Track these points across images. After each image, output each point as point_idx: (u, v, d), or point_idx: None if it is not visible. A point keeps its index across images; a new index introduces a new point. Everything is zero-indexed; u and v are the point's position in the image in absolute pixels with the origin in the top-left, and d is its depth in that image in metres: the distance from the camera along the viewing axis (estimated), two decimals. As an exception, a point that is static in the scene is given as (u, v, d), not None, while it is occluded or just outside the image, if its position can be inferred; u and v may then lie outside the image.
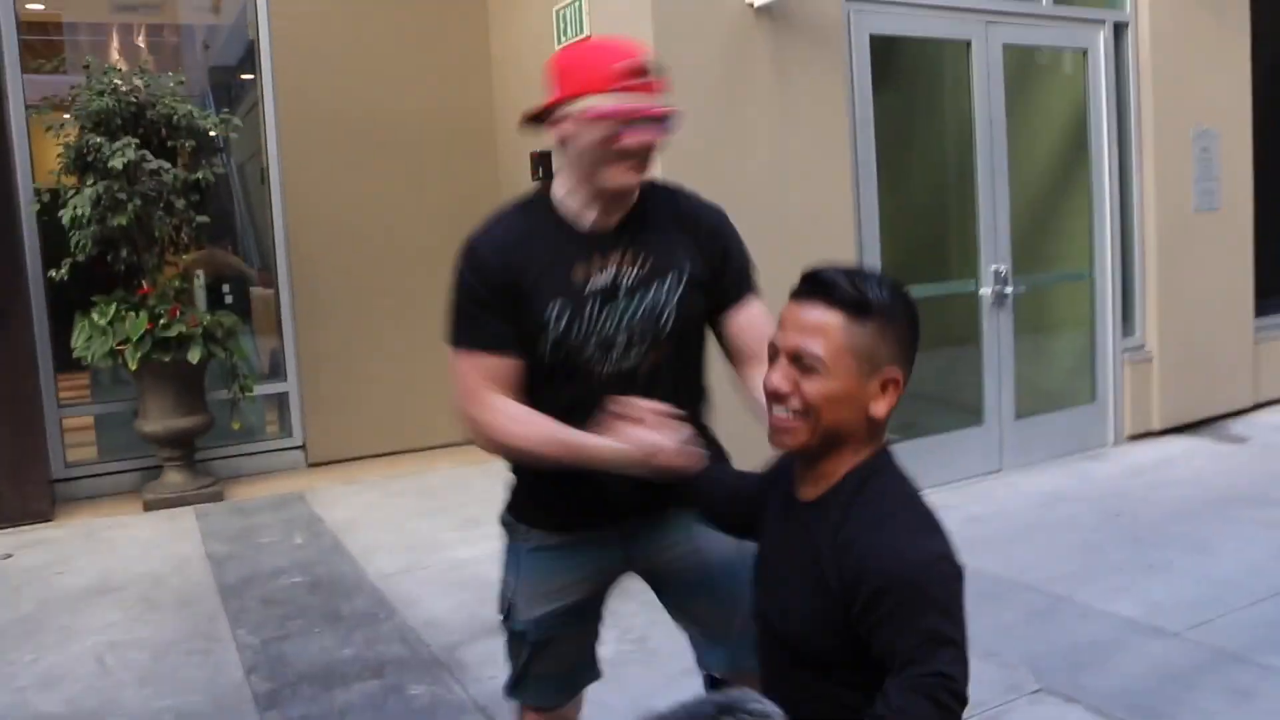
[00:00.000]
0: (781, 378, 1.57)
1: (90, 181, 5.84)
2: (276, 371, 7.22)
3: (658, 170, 5.28)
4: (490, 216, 2.13)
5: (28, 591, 4.90)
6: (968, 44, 6.02)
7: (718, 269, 2.17)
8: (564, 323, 2.03)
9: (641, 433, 1.93)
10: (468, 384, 2.05)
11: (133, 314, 5.96)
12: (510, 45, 7.07)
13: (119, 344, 5.90)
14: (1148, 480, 6.01)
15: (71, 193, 5.93)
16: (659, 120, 2.01)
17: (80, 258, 5.98)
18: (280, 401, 7.18)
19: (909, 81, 6.74)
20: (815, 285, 1.57)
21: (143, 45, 7.51)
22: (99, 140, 5.82)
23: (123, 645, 4.20)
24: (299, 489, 6.50)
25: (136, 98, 6.04)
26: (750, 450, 2.09)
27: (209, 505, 6.23)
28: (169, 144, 6.16)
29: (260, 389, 6.86)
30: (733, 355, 2.22)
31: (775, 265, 5.38)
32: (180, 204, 6.05)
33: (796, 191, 5.29)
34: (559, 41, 5.70)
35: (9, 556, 5.45)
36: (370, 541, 5.36)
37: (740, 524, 1.91)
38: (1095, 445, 6.69)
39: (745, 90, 5.18)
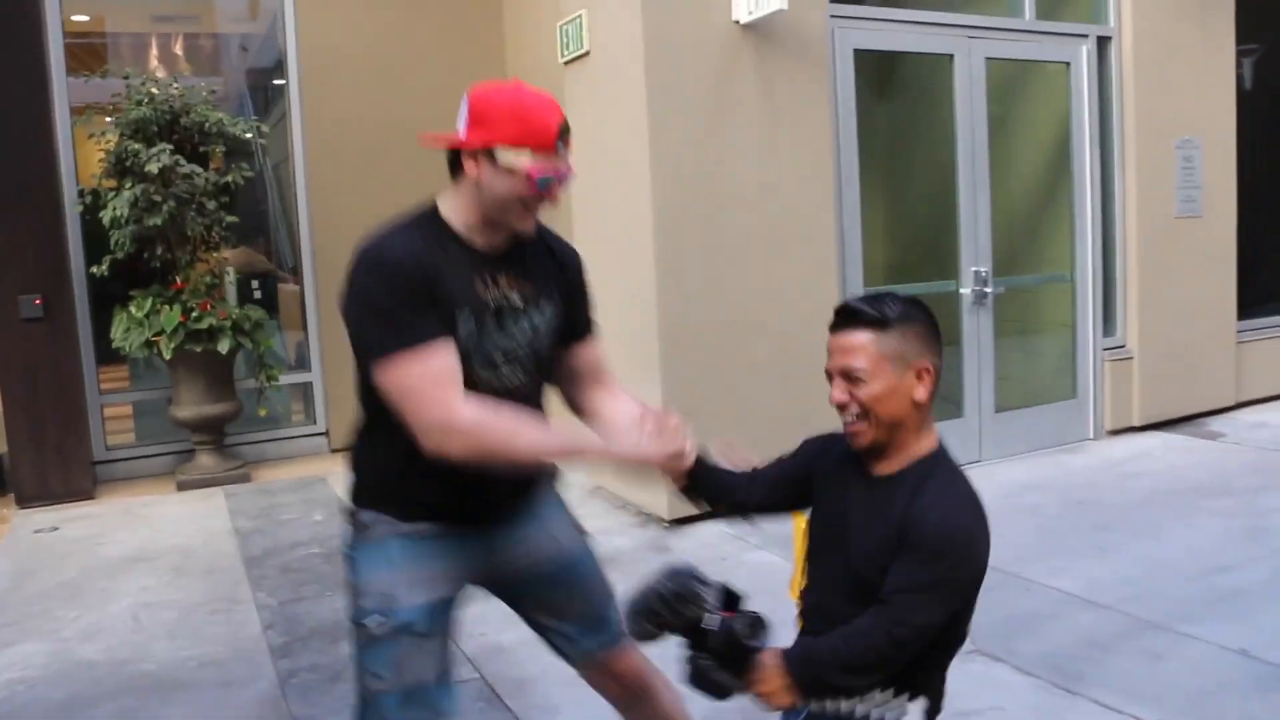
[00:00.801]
0: (840, 392, 1.95)
1: (129, 185, 6.31)
2: (302, 363, 7.69)
3: (644, 183, 5.68)
4: (382, 229, 2.15)
5: (71, 560, 5.37)
6: (950, 58, 6.37)
7: (574, 305, 2.33)
8: (469, 332, 2.08)
9: (648, 440, 2.10)
10: (433, 395, 2.00)
11: (167, 307, 6.42)
12: (523, 58, 7.51)
13: (154, 335, 6.37)
14: (1119, 472, 6.34)
15: (111, 195, 6.40)
16: (566, 179, 2.12)
17: (119, 255, 6.46)
18: (305, 391, 7.64)
19: (894, 93, 7.09)
20: (845, 315, 1.96)
21: (180, 54, 7.97)
22: (136, 146, 6.28)
23: (155, 606, 4.65)
24: (321, 472, 6.96)
25: (171, 105, 6.50)
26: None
27: (237, 486, 6.69)
28: (201, 149, 6.62)
29: (286, 379, 7.33)
30: (574, 379, 2.37)
31: (760, 270, 5.79)
32: (211, 205, 6.51)
33: (781, 200, 5.65)
34: (561, 55, 6.10)
35: (55, 529, 5.93)
36: (383, 519, 5.79)
37: (790, 503, 2.21)
38: (1075, 439, 7.02)
39: (732, 103, 5.55)
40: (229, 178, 6.69)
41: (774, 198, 5.65)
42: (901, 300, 1.96)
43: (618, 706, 2.54)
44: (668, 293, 5.38)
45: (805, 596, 2.10)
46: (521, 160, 2.04)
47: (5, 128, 6.28)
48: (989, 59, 6.50)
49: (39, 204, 6.44)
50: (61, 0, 6.89)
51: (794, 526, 2.32)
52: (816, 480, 2.11)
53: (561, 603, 2.39)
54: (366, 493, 2.23)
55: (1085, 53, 6.92)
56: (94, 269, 6.55)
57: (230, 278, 7.42)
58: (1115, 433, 7.19)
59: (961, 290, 6.46)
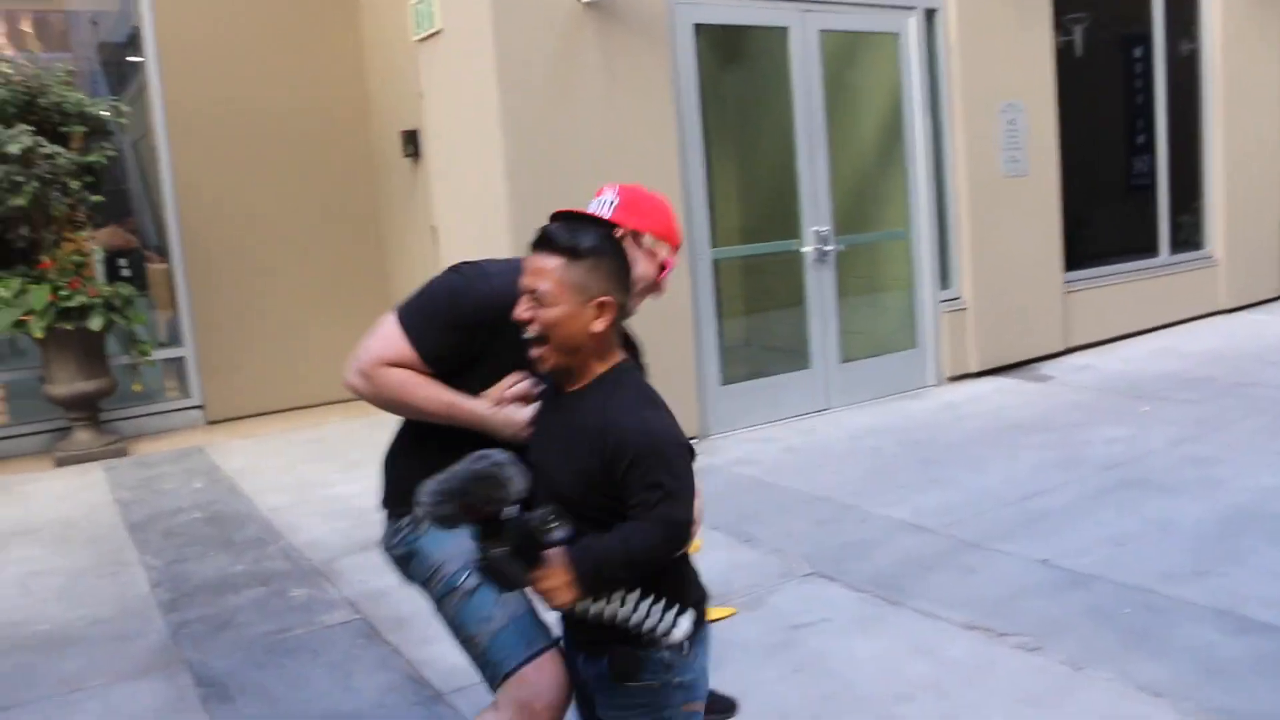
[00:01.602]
0: (523, 309, 2.02)
1: (-11, 166, 6.34)
2: (174, 338, 7.79)
3: (497, 156, 5.92)
4: (504, 260, 2.43)
5: (-50, 537, 5.47)
6: (785, 30, 6.79)
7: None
8: (507, 358, 2.29)
9: (513, 409, 2.27)
10: (384, 352, 2.33)
11: (35, 287, 6.48)
12: (379, 32, 7.70)
13: (24, 315, 6.42)
14: (954, 414, 6.89)
15: (-29, 176, 6.42)
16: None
17: (-19, 236, 6.49)
18: (178, 365, 7.76)
19: (734, 65, 7.48)
20: (542, 239, 2.03)
21: (30, 30, 7.90)
22: (-5, 128, 6.32)
23: (42, 573, 4.82)
24: (198, 443, 7.12)
25: (28, 86, 6.53)
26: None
27: (115, 460, 6.81)
28: (61, 130, 6.67)
29: (159, 354, 7.45)
30: None
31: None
32: (75, 185, 6.58)
33: (627, 170, 5.96)
34: (414, 33, 6.35)
35: (-71, 509, 5.99)
36: (262, 483, 6.03)
37: None
38: (916, 386, 7.58)
39: (576, 78, 5.87)
40: (92, 157, 6.75)
41: (621, 168, 5.96)
42: (598, 234, 2.03)
43: None
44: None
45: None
46: (662, 251, 2.50)
47: None
48: (822, 31, 6.95)
49: (-104, 187, 6.41)
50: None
51: None
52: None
53: None
54: (405, 496, 2.24)
55: (913, 24, 7.42)
56: (-45, 250, 6.57)
57: (98, 256, 7.47)
58: (954, 379, 7.76)
59: (804, 249, 6.92)
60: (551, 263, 2.00)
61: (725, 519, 4.89)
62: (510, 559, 1.90)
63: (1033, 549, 4.40)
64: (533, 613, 2.34)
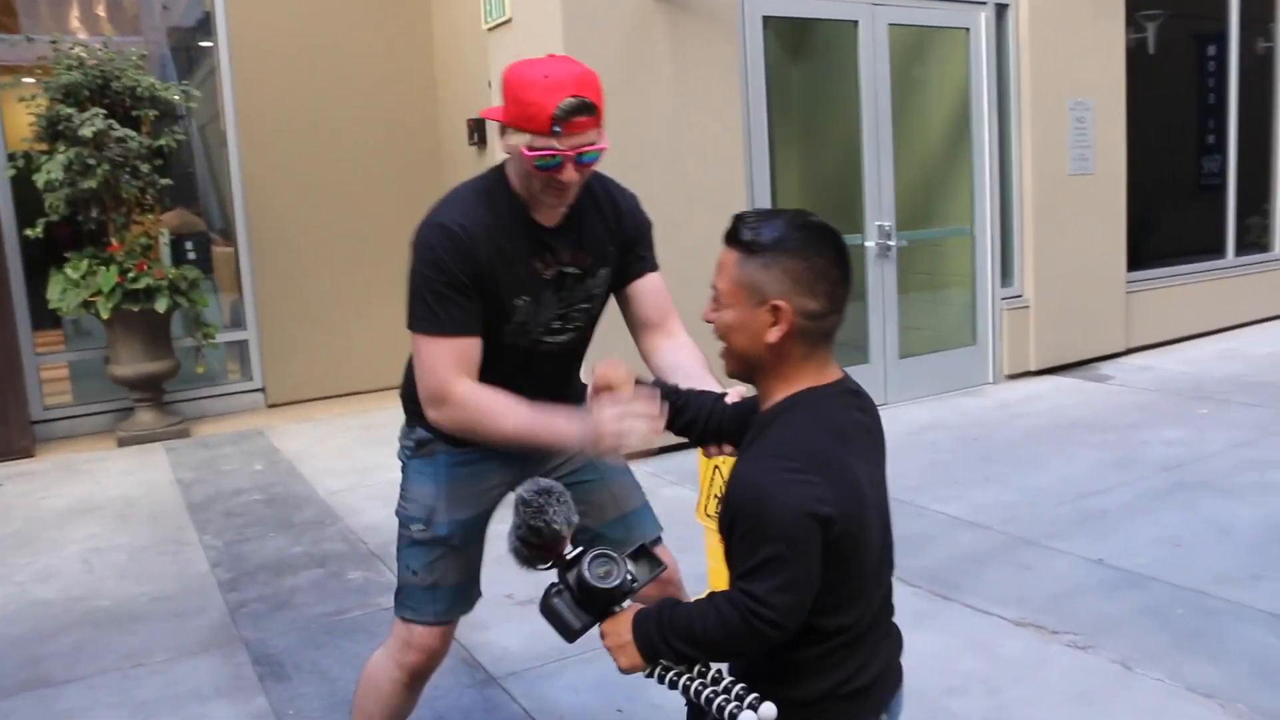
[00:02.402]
0: (708, 309, 1.79)
1: (62, 148, 6.46)
2: (237, 321, 7.90)
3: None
4: (454, 199, 2.25)
5: (17, 512, 5.59)
6: (855, 24, 6.74)
7: (629, 248, 2.43)
8: (526, 312, 2.25)
9: (612, 419, 1.96)
10: (440, 373, 2.18)
11: (103, 268, 6.60)
12: (450, 21, 7.74)
13: (91, 296, 6.55)
14: (1011, 412, 6.81)
15: (44, 158, 6.55)
16: (585, 160, 2.13)
17: (54, 218, 6.61)
18: (241, 348, 7.87)
19: (802, 58, 7.45)
20: (729, 229, 1.77)
21: (102, 14, 8.02)
22: (69, 111, 6.44)
23: (104, 550, 4.91)
24: (259, 426, 7.22)
25: (102, 70, 6.65)
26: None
27: (177, 441, 6.92)
28: (133, 113, 6.78)
29: (222, 336, 7.56)
30: (636, 323, 2.48)
31: (672, 229, 6.16)
32: (145, 168, 6.68)
33: (693, 161, 6.00)
34: (485, 21, 6.37)
35: (-2, 484, 6.14)
36: (321, 466, 6.10)
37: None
38: (975, 383, 7.50)
39: (646, 69, 5.87)
40: (162, 141, 6.85)
41: (687, 158, 5.99)
42: (786, 227, 1.72)
43: None
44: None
45: None
46: (530, 143, 2.08)
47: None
48: (891, 25, 6.88)
49: (-29, 168, 6.56)
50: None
51: (699, 459, 2.56)
52: None
53: (602, 504, 2.52)
54: (419, 416, 2.35)
55: (984, 19, 7.32)
56: (28, 231, 6.68)
57: (165, 239, 7.59)
58: (1013, 377, 7.67)
59: (866, 243, 6.87)
60: (729, 258, 1.75)
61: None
62: (568, 605, 1.74)
63: (1088, 548, 4.35)
64: (460, 589, 2.47)
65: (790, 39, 7.04)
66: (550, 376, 2.41)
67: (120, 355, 6.87)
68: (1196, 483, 5.14)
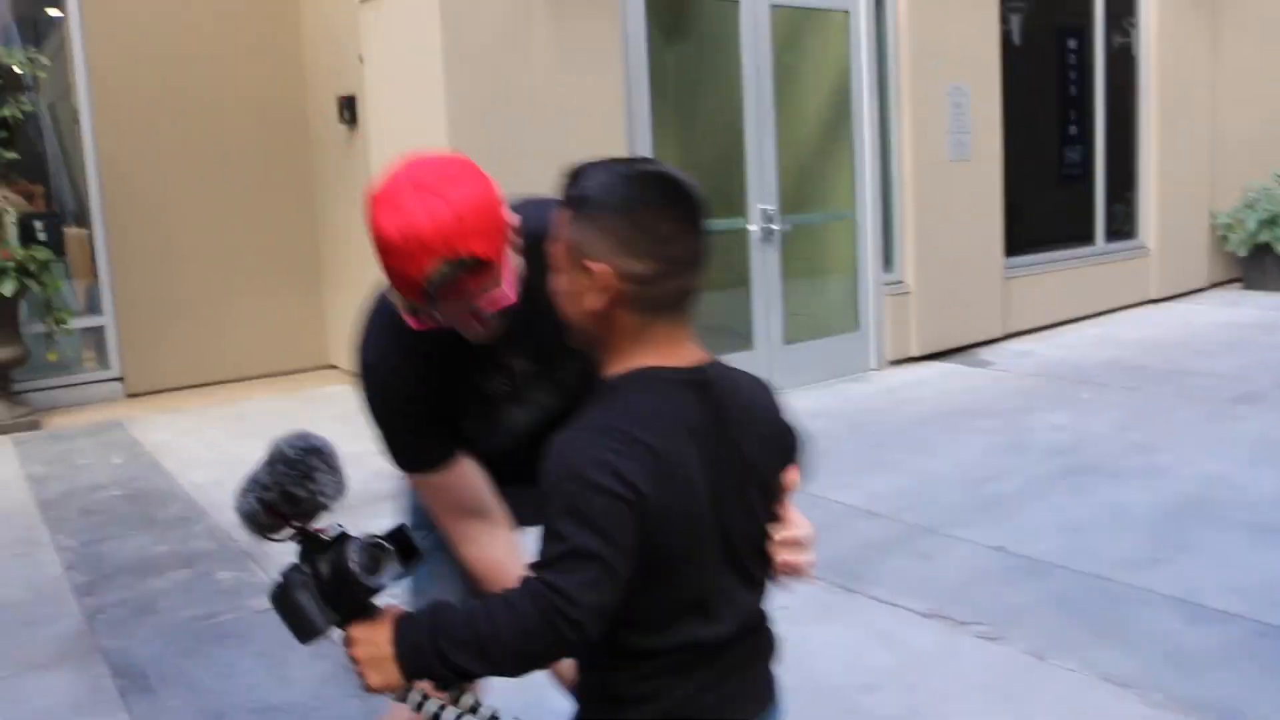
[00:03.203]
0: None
1: (-106, 119, 5.97)
2: (93, 307, 7.43)
3: (440, 120, 5.68)
4: (371, 329, 1.88)
5: None
6: (736, 3, 6.67)
7: None
8: (481, 424, 1.93)
9: None
10: (438, 513, 1.96)
11: (-58, 249, 6.13)
12: (319, -5, 7.41)
13: (-71, 278, 6.07)
14: (898, 398, 6.83)
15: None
16: (488, 317, 1.72)
17: (-114, 194, 6.11)
18: (97, 335, 7.41)
19: (683, 38, 7.33)
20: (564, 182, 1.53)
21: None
22: (-98, 78, 5.95)
23: (-56, 553, 4.52)
24: (117, 417, 6.79)
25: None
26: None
27: (27, 434, 6.47)
28: (-29, 82, 6.32)
29: (77, 323, 7.09)
30: None
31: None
32: (-15, 140, 6.23)
33: (574, 138, 5.82)
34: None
35: None
36: (186, 459, 5.76)
37: None
38: (858, 369, 7.50)
39: (526, 44, 5.68)
40: (6, 112, 6.39)
41: (567, 136, 5.81)
42: (610, 176, 1.51)
43: None
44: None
45: None
46: (402, 304, 1.70)
47: None
48: (773, 5, 6.83)
49: None
50: None
51: None
52: None
53: None
54: None
55: (863, 3, 7.31)
56: None
57: (11, 218, 7.09)
58: (896, 363, 7.70)
59: (750, 227, 6.80)
60: (561, 217, 1.52)
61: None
62: (311, 595, 1.43)
63: (987, 535, 4.34)
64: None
65: (671, 19, 6.90)
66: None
67: (-38, 342, 6.39)
68: (1087, 466, 5.20)
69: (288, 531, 1.46)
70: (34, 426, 6.57)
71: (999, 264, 8.41)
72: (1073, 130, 9.69)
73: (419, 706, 1.44)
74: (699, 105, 7.48)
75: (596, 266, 1.44)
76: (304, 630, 1.45)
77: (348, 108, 7.01)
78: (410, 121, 5.74)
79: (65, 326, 6.73)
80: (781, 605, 3.66)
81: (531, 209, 1.79)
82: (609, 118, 6.02)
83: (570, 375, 1.92)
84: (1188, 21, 10.06)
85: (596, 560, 1.34)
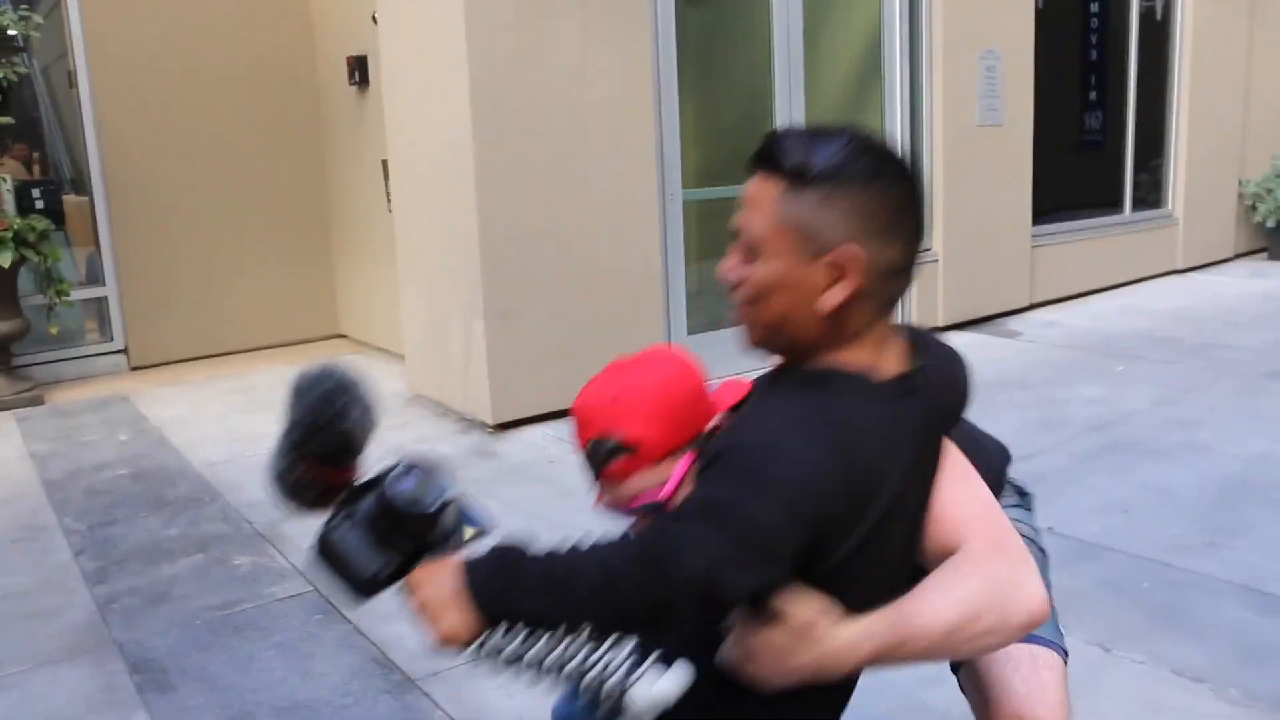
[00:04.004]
0: (729, 262, 1.33)
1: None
2: (94, 277, 7.20)
3: (463, 89, 5.46)
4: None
5: None
6: (767, -37, 6.38)
7: None
8: None
9: None
10: None
11: (-62, 217, 5.89)
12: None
13: (-76, 248, 5.84)
14: (927, 370, 6.61)
15: None
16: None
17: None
18: (100, 306, 7.18)
19: (712, 2, 7.07)
20: (762, 151, 1.29)
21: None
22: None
23: (-54, 537, 4.31)
24: (122, 391, 6.57)
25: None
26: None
27: (29, 410, 6.25)
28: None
29: (78, 294, 6.86)
30: None
31: (579, 173, 5.76)
32: (-20, 103, 5.99)
33: (599, 103, 5.55)
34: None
35: None
36: (195, 435, 5.53)
37: None
38: (885, 341, 7.27)
39: (549, 4, 5.41)
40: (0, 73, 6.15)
41: (592, 102, 5.56)
42: (850, 148, 1.25)
43: None
44: (487, 197, 5.24)
45: None
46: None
47: None
48: (804, -34, 6.55)
49: None
50: None
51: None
52: None
53: None
54: None
55: (896, -36, 7.04)
56: None
57: (7, 186, 6.85)
58: (924, 333, 7.48)
59: (779, 194, 6.55)
60: (765, 190, 1.26)
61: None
62: (361, 533, 1.23)
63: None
64: None
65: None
66: None
67: (-41, 315, 6.16)
68: (1126, 443, 4.99)
69: (327, 494, 1.28)
70: (36, 402, 6.36)
71: (1027, 232, 8.18)
72: (1100, 96, 9.43)
73: (506, 655, 1.18)
74: (728, 68, 7.24)
75: (847, 252, 1.22)
76: (358, 577, 1.25)
77: (359, 68, 6.76)
78: (428, 83, 5.49)
79: (66, 298, 6.50)
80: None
81: None
82: (637, 80, 5.75)
83: None
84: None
85: (730, 520, 1.13)
